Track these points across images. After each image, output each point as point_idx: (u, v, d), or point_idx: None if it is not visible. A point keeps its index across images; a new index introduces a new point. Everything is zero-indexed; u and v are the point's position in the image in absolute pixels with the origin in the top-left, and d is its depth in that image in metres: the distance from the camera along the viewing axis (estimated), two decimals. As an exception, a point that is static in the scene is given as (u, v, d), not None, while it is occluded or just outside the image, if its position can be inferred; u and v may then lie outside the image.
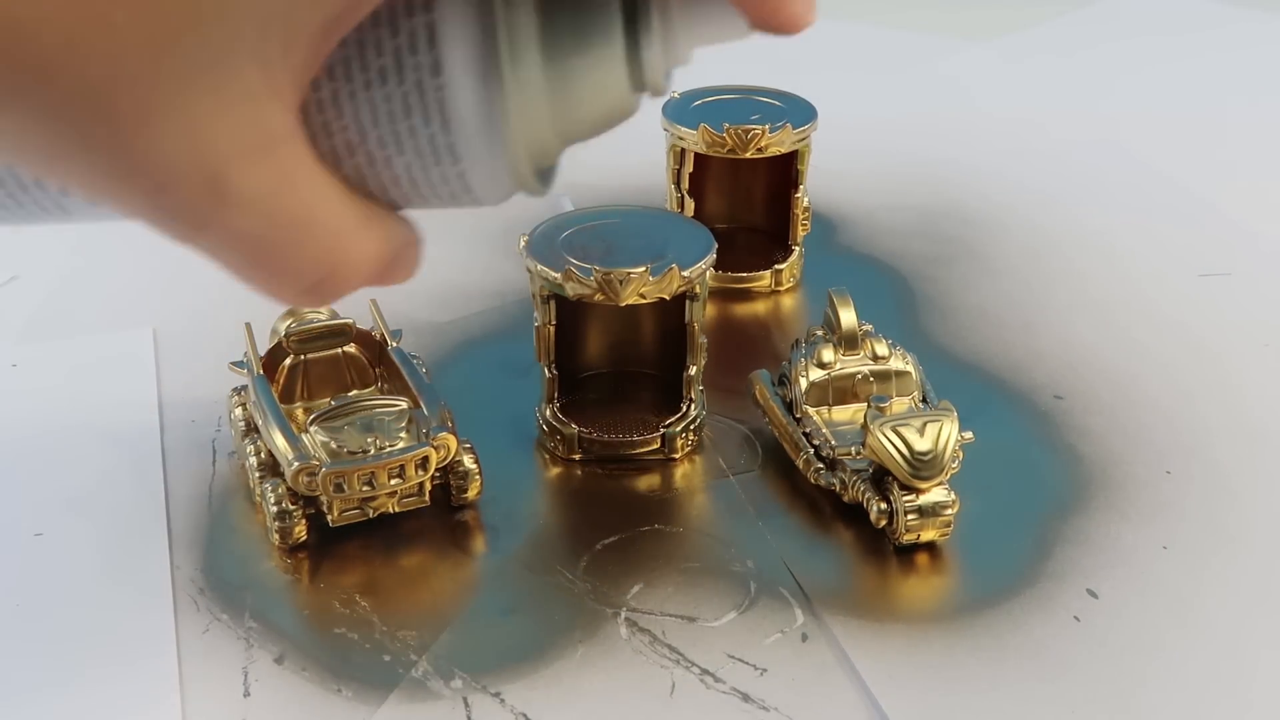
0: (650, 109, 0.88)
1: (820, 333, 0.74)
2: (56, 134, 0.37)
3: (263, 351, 0.72)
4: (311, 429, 0.67)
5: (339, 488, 0.66)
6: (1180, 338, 0.85)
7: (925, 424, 0.66)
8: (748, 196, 0.95)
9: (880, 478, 0.68)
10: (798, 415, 0.72)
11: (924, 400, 0.72)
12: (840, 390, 0.72)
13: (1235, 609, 0.65)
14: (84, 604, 0.65)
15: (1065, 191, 1.03)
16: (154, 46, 0.36)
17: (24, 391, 0.81)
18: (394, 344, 0.73)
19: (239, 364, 0.72)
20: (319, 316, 0.74)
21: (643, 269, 0.69)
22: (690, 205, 0.88)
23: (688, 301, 0.72)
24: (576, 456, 0.74)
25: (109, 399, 0.79)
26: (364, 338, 0.74)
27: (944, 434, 0.66)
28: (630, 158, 1.06)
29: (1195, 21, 1.37)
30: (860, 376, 0.72)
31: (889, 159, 1.08)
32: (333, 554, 0.68)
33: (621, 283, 0.69)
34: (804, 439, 0.71)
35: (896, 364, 0.73)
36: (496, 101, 0.41)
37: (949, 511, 0.66)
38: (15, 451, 0.76)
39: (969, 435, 0.67)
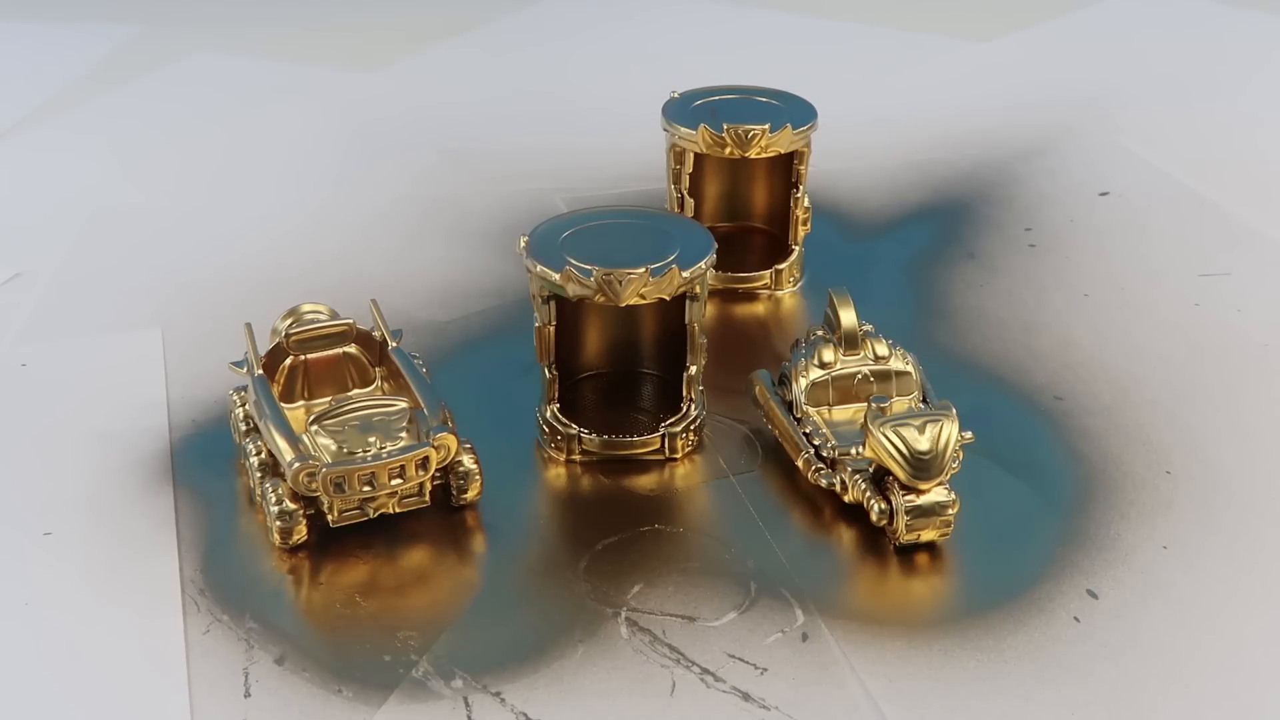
0: (650, 109, 0.89)
1: (820, 333, 0.74)
2: None
3: (263, 351, 0.72)
4: (312, 429, 0.67)
5: (339, 488, 0.66)
6: (1180, 338, 0.85)
7: (925, 424, 0.66)
8: (748, 196, 0.95)
9: (880, 478, 0.68)
10: (798, 415, 0.72)
11: (924, 400, 0.73)
12: (840, 390, 0.72)
13: (1235, 609, 0.65)
14: (92, 603, 0.65)
15: (1065, 191, 1.03)
16: None
17: (33, 391, 0.81)
18: (394, 344, 0.74)
19: (239, 364, 0.72)
20: (320, 317, 0.74)
21: (643, 269, 0.69)
22: (690, 205, 0.88)
23: (688, 301, 0.72)
24: (576, 456, 0.74)
25: (118, 399, 0.79)
26: (364, 338, 0.74)
27: (944, 434, 0.66)
28: (630, 158, 1.06)
29: (1195, 21, 1.37)
30: (860, 376, 0.72)
31: (889, 159, 1.08)
32: (333, 554, 0.68)
33: (621, 283, 0.69)
34: (804, 439, 0.71)
35: (896, 364, 0.73)
36: None
37: (949, 511, 0.66)
38: (25, 451, 0.76)
39: (969, 435, 0.67)
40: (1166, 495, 0.72)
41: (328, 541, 0.68)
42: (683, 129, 0.86)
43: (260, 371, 0.71)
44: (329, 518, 0.67)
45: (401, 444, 0.67)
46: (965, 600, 0.65)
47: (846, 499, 0.69)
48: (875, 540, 0.68)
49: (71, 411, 0.79)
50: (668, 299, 0.70)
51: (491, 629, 0.64)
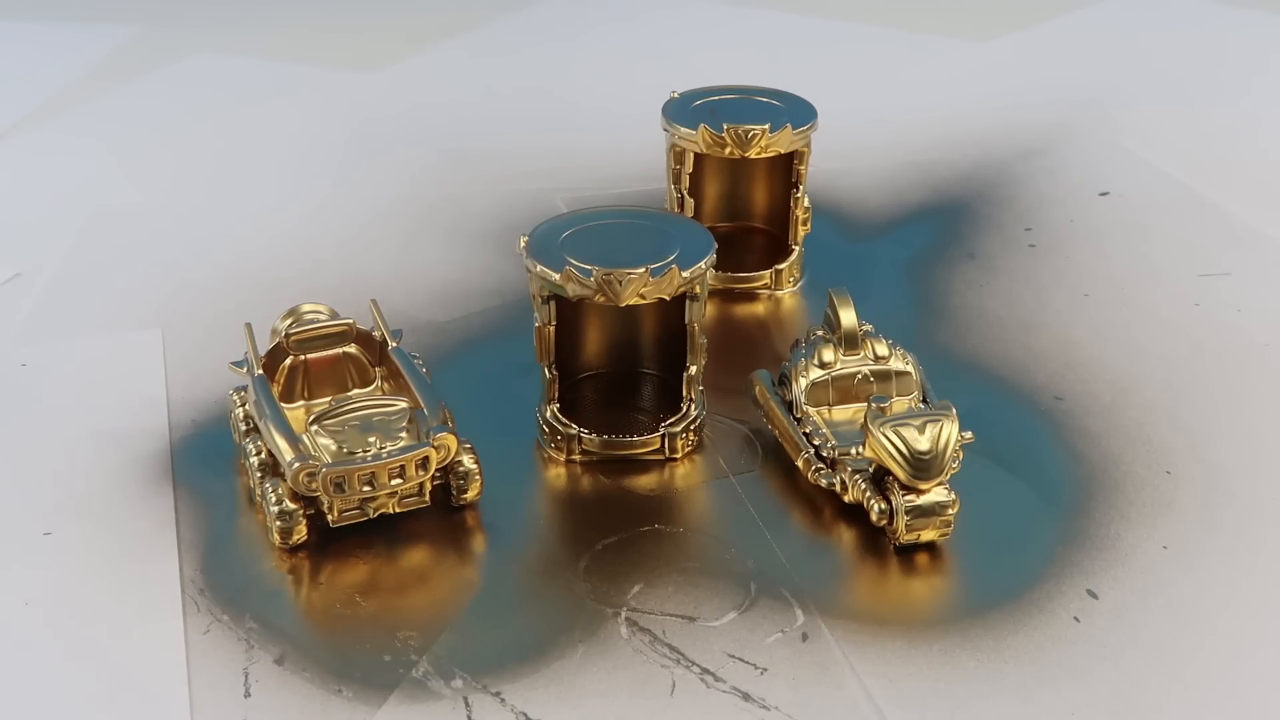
0: (651, 109, 0.89)
1: (820, 333, 0.74)
2: None
3: (263, 351, 0.72)
4: (312, 429, 0.67)
5: (339, 488, 0.66)
6: (1180, 338, 0.85)
7: (925, 424, 0.66)
8: (748, 196, 0.95)
9: (880, 478, 0.68)
10: (798, 415, 0.72)
11: (924, 400, 0.73)
12: (840, 390, 0.72)
13: (1235, 609, 0.65)
14: (91, 603, 0.65)
15: (1065, 191, 1.03)
16: None
17: (33, 391, 0.81)
18: (394, 344, 0.73)
19: (239, 364, 0.72)
20: (320, 317, 0.74)
21: (643, 269, 0.69)
22: (690, 205, 0.88)
23: (688, 301, 0.72)
24: (576, 456, 0.74)
25: (118, 399, 0.79)
26: (364, 338, 0.74)
27: (944, 434, 0.66)
28: (630, 158, 1.06)
29: (1195, 21, 1.37)
30: (860, 376, 0.72)
31: (889, 159, 1.08)
32: (333, 554, 0.68)
33: (621, 283, 0.69)
34: (804, 439, 0.71)
35: (896, 364, 0.73)
36: None
37: (949, 511, 0.66)
38: (24, 451, 0.76)
39: (969, 435, 0.67)
40: (1166, 495, 0.72)
41: (328, 541, 0.68)
42: (683, 129, 0.86)
43: (260, 371, 0.71)
44: (329, 518, 0.67)
45: (401, 444, 0.67)
46: (965, 600, 0.65)
47: (846, 499, 0.69)
48: (875, 540, 0.68)
49: (71, 411, 0.79)
50: (668, 299, 0.70)
51: (491, 629, 0.64)
